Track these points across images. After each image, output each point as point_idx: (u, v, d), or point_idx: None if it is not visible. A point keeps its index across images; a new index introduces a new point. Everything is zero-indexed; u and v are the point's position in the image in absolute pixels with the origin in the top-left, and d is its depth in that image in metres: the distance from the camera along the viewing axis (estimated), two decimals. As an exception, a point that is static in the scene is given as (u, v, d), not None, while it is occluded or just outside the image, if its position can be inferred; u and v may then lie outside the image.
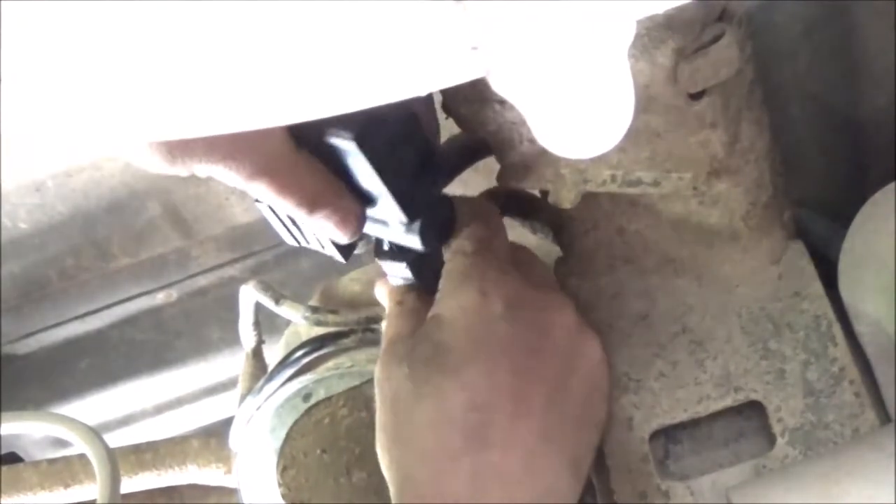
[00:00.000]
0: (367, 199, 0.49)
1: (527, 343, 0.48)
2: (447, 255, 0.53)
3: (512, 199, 0.61)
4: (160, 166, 0.41)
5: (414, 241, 0.51)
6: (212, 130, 0.22)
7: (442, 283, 0.51)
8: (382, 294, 0.57)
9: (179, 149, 0.41)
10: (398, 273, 0.55)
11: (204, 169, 0.42)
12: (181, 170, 0.42)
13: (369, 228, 0.51)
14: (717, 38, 0.44)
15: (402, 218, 0.50)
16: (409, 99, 0.50)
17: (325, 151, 0.46)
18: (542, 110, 0.21)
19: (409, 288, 0.55)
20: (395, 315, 0.54)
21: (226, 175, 0.42)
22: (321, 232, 0.49)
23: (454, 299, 0.50)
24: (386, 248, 0.54)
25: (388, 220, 0.51)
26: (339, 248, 0.52)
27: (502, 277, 0.50)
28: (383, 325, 0.66)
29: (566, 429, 0.48)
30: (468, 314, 0.49)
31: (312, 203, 0.46)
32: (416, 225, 0.51)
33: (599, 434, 0.51)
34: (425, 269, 0.54)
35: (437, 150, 0.53)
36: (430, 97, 0.52)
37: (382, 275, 0.57)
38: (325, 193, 0.46)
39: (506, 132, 0.50)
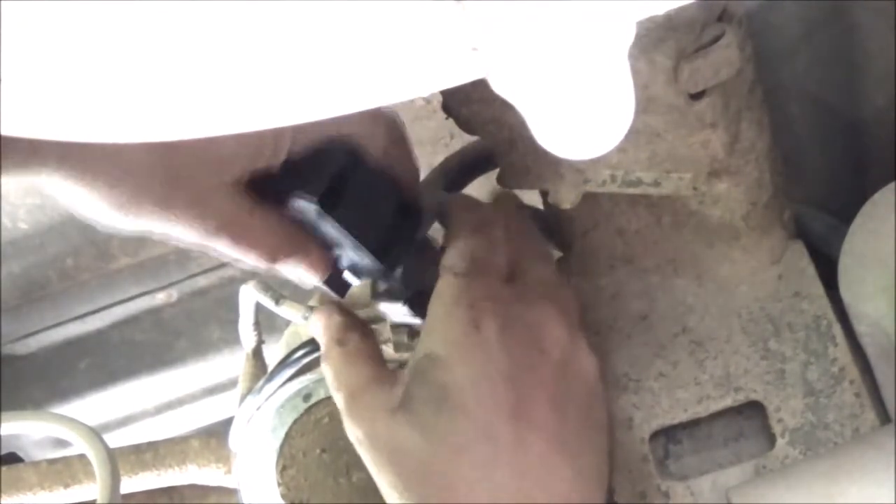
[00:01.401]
0: (347, 248, 0.50)
1: (524, 364, 0.47)
2: (440, 268, 0.51)
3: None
4: (114, 220, 0.42)
5: (398, 288, 0.51)
6: (212, 131, 0.22)
7: (431, 308, 0.49)
8: (318, 329, 0.53)
9: (133, 205, 0.41)
10: (398, 312, 0.54)
11: (158, 226, 0.42)
12: (133, 224, 0.42)
13: (357, 274, 0.51)
14: (717, 39, 0.44)
15: (381, 268, 0.50)
16: (380, 148, 0.50)
17: (294, 208, 0.48)
18: (541, 111, 0.21)
19: (347, 325, 0.52)
20: (339, 361, 0.51)
21: (182, 233, 0.44)
22: (291, 276, 0.49)
23: (445, 333, 0.47)
24: (381, 289, 0.53)
25: (371, 268, 0.51)
26: (332, 286, 0.52)
27: (494, 301, 0.48)
28: (384, 327, 0.66)
29: (572, 437, 0.48)
30: (463, 350, 0.47)
31: (272, 256, 0.47)
32: (398, 272, 0.51)
33: (606, 435, 0.51)
34: (425, 306, 0.52)
35: (416, 196, 0.52)
36: (405, 143, 0.51)
37: (321, 301, 0.55)
38: (285, 246, 0.47)
39: (506, 132, 0.50)
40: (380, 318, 0.67)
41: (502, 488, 0.45)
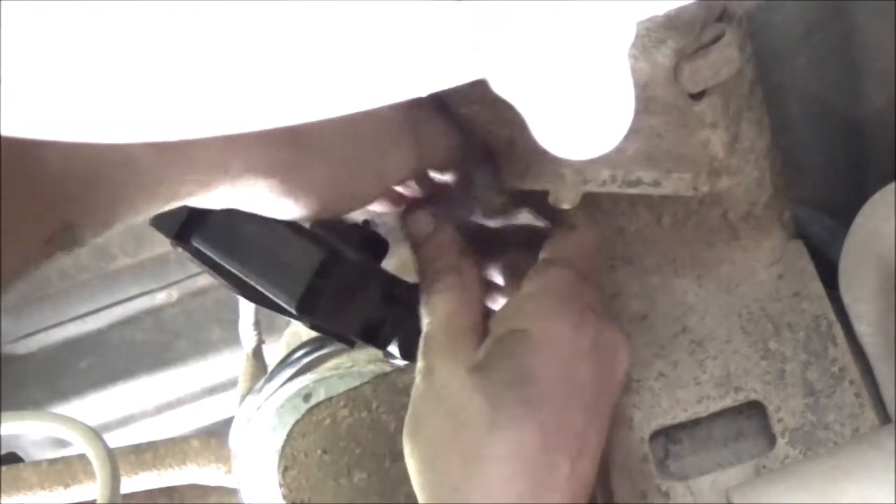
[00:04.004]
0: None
1: (598, 386, 0.46)
2: (547, 250, 0.49)
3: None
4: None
5: (397, 360, 0.51)
6: (211, 131, 0.22)
7: (535, 288, 0.47)
8: (429, 243, 0.49)
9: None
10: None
11: None
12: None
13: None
14: (717, 38, 0.44)
15: (374, 348, 0.50)
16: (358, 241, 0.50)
17: None
18: (541, 111, 0.21)
19: (463, 251, 0.48)
20: (452, 286, 0.48)
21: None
22: None
23: (549, 322, 0.46)
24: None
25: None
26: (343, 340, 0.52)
27: (594, 311, 0.47)
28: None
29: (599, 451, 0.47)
30: (560, 346, 0.45)
31: None
32: (394, 347, 0.50)
33: None
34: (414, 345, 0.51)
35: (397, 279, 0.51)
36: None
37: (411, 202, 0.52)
38: None
39: (506, 132, 0.50)
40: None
41: (525, 497, 0.44)
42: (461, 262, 0.49)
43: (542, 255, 0.49)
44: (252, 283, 0.46)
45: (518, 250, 0.52)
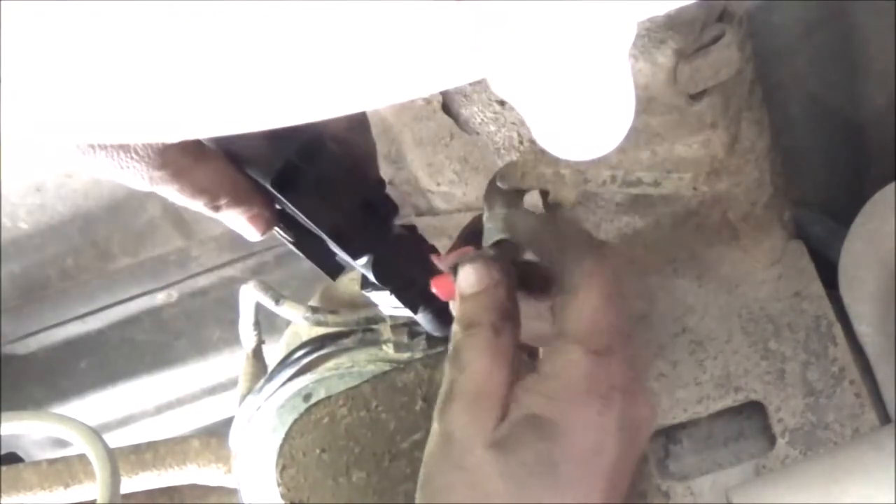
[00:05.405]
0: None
1: (623, 462, 0.44)
2: (557, 321, 0.44)
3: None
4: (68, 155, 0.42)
5: (371, 278, 0.51)
6: (211, 132, 0.22)
7: (554, 370, 0.44)
8: (473, 300, 0.46)
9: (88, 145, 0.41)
10: (387, 304, 0.53)
11: (108, 168, 0.42)
12: (88, 162, 0.42)
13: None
14: (717, 39, 0.44)
15: (345, 256, 0.49)
16: (341, 130, 0.49)
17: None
18: (542, 112, 0.21)
19: (509, 311, 0.45)
20: (487, 349, 0.44)
21: (128, 179, 0.44)
22: (233, 226, 0.50)
23: (572, 410, 0.43)
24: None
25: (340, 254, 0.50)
26: (326, 268, 0.52)
27: (620, 390, 0.44)
28: (384, 328, 0.66)
29: None
30: (584, 433, 0.43)
31: (214, 204, 0.47)
32: (366, 261, 0.50)
33: None
34: (412, 295, 0.52)
35: (381, 188, 0.51)
36: (365, 127, 0.51)
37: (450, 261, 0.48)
38: (228, 196, 0.47)
39: (506, 132, 0.50)
40: (380, 318, 0.67)
41: None
42: (503, 324, 0.45)
43: (553, 327, 0.45)
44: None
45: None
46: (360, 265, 0.51)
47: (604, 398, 0.43)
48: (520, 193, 0.52)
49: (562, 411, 0.43)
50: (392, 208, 0.51)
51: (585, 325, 0.44)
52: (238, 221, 0.49)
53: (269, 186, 0.46)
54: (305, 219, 0.48)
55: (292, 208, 0.48)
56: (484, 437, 0.43)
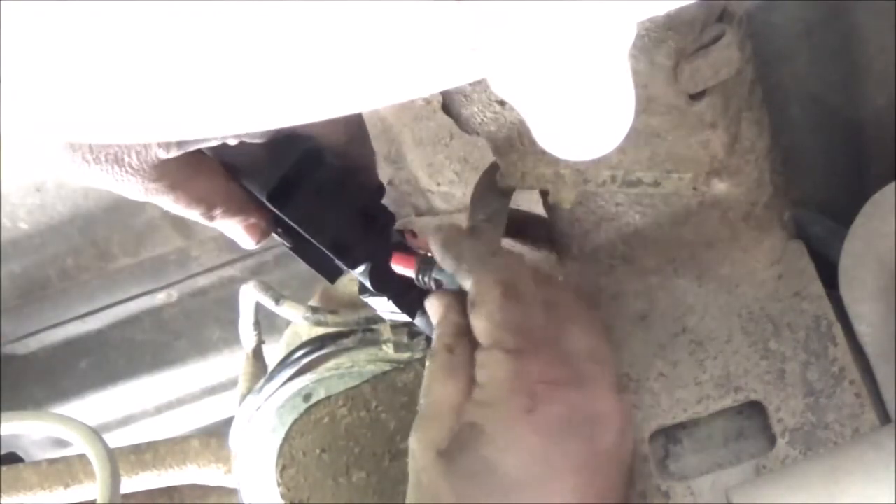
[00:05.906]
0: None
1: (595, 458, 0.45)
2: (481, 336, 0.47)
3: (509, 222, 0.57)
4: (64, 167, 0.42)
5: (368, 286, 0.51)
6: (212, 132, 0.22)
7: (483, 382, 0.46)
8: (434, 317, 0.50)
9: (87, 151, 0.41)
10: (385, 309, 0.54)
11: (104, 179, 0.43)
12: (83, 174, 0.42)
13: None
14: (717, 39, 0.44)
15: (342, 265, 0.50)
16: (341, 143, 0.50)
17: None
18: (541, 112, 0.21)
19: (461, 330, 0.48)
20: (442, 367, 0.47)
21: (126, 189, 0.44)
22: (229, 234, 0.50)
23: (499, 411, 0.44)
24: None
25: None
26: (324, 272, 0.53)
27: (552, 386, 0.45)
28: (384, 328, 0.66)
29: None
30: (514, 433, 0.44)
31: (209, 213, 0.48)
32: (364, 269, 0.50)
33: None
34: (409, 300, 0.52)
35: (379, 198, 0.51)
36: (364, 140, 0.51)
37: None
38: (224, 206, 0.48)
39: (506, 132, 0.50)
40: (380, 318, 0.67)
41: None
42: (457, 341, 0.48)
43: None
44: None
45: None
46: (358, 273, 0.51)
47: (530, 395, 0.45)
48: (507, 193, 0.53)
49: (490, 415, 0.45)
50: (390, 217, 0.51)
51: (488, 328, 0.46)
52: (234, 230, 0.50)
53: (265, 201, 0.46)
54: (305, 232, 0.48)
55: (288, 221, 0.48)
56: (433, 449, 0.45)
